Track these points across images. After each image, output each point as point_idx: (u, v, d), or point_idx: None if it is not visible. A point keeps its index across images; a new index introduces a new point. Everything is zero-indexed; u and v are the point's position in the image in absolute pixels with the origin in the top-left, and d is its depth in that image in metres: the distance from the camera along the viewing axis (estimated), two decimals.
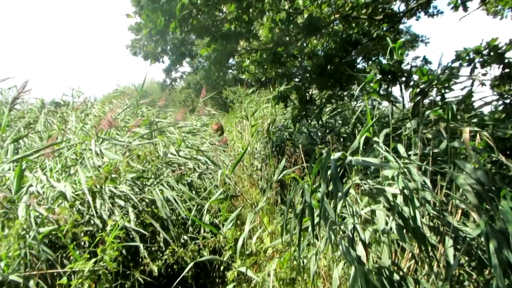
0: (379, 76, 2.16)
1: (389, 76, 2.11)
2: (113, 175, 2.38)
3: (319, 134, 4.11)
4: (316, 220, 1.58)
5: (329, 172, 1.43)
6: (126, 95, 4.96)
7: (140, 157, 2.70)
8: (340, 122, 4.68)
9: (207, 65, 5.11)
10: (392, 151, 1.68)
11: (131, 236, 2.18)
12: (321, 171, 1.47)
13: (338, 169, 1.43)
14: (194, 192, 2.98)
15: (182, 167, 3.06)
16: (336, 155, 1.46)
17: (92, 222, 2.16)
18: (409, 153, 1.79)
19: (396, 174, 1.52)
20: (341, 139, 3.95)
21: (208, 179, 3.17)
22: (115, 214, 2.22)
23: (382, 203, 1.57)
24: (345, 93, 4.78)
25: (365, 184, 1.59)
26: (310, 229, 1.67)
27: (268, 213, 2.70)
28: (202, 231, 2.55)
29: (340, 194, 1.39)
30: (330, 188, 1.49)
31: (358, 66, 5.04)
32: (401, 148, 1.75)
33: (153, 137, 3.29)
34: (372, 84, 2.19)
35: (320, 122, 4.24)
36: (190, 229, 2.53)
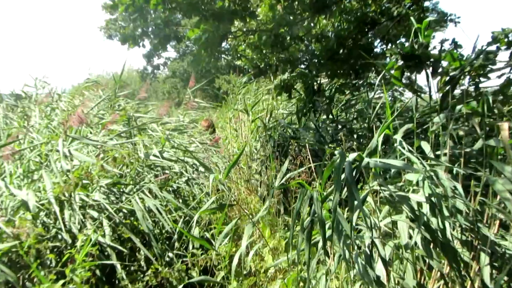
0: (401, 62, 2.16)
1: (413, 62, 2.11)
2: (84, 181, 2.37)
3: (330, 130, 4.10)
4: (328, 233, 1.57)
5: (342, 177, 1.42)
6: (100, 86, 4.93)
7: (117, 159, 2.68)
8: (355, 116, 4.68)
9: (196, 49, 5.10)
10: (416, 151, 1.68)
11: (106, 253, 2.17)
12: (333, 175, 1.46)
13: (354, 173, 1.42)
14: (181, 200, 2.97)
15: (167, 171, 3.05)
16: (350, 156, 1.46)
17: (59, 236, 2.15)
18: (437, 153, 1.79)
19: (421, 179, 1.52)
20: (356, 137, 3.95)
21: (197, 185, 3.16)
22: (87, 227, 2.20)
23: (405, 213, 1.57)
24: (360, 82, 4.77)
25: (385, 190, 1.59)
26: (320, 244, 1.67)
27: (269, 225, 2.69)
28: (190, 247, 2.54)
29: (356, 202, 1.38)
30: (344, 195, 1.49)
31: (376, 50, 5.04)
32: (427, 148, 1.75)
33: (132, 136, 3.27)
34: (392, 72, 2.19)
35: (330, 117, 4.24)
36: (177, 244, 2.52)
